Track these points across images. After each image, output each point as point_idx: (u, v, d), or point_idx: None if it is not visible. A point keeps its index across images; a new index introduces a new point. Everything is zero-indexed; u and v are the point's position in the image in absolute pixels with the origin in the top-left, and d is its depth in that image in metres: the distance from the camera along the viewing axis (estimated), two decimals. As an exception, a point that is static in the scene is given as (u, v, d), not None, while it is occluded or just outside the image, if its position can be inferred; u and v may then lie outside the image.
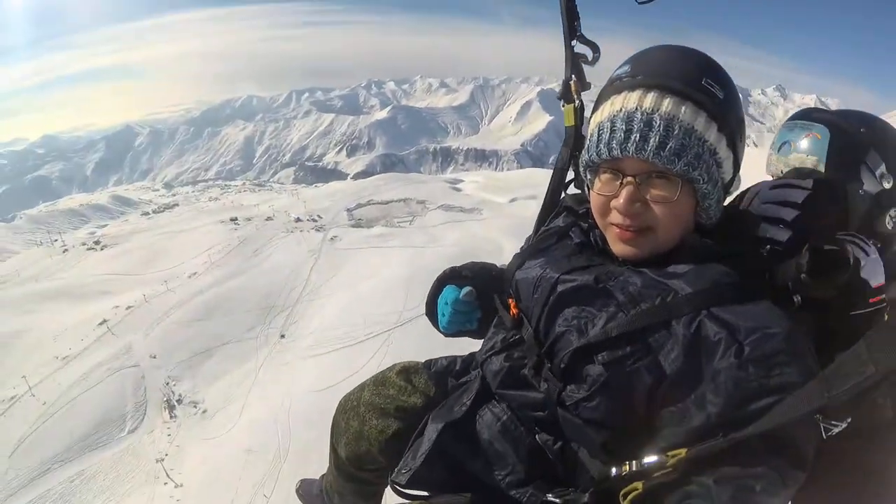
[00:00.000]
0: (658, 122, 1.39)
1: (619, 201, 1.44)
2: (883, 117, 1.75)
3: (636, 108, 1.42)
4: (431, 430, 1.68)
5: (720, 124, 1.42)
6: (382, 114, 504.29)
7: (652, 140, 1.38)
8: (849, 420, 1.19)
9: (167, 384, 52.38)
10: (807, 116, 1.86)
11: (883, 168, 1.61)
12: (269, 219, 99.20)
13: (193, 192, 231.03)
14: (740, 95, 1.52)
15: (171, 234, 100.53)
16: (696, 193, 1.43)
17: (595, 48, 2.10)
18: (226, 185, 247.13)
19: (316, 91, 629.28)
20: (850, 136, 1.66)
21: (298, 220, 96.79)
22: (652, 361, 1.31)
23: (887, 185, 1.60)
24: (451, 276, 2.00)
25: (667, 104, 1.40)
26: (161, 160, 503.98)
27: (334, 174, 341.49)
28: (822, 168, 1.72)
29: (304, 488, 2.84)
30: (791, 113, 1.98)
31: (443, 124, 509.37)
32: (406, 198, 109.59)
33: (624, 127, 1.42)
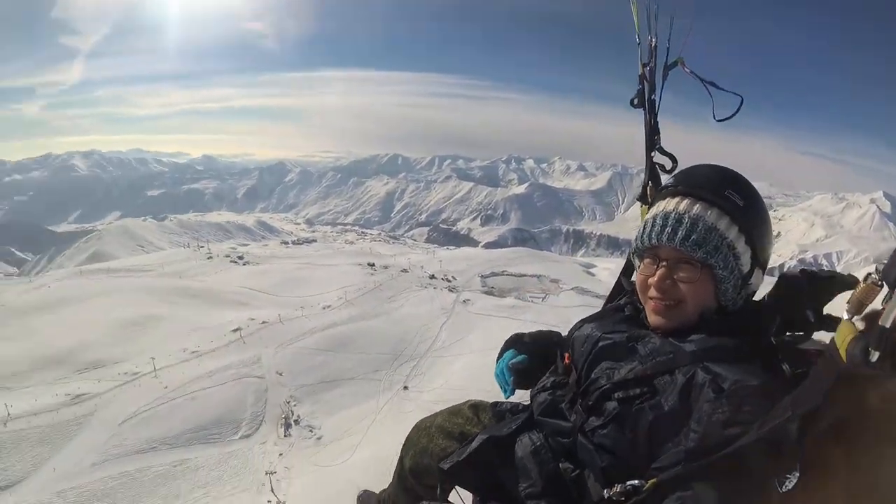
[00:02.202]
0: (686, 220, 1.79)
1: (654, 279, 1.84)
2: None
3: (673, 210, 1.84)
4: (479, 439, 2.07)
5: (740, 225, 1.79)
6: (520, 189, 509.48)
7: (680, 233, 1.78)
8: (796, 472, 1.35)
9: (288, 402, 53.32)
10: None
11: None
12: (404, 270, 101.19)
13: (332, 232, 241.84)
14: (765, 204, 1.89)
15: (310, 265, 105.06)
16: (714, 278, 1.78)
17: (673, 160, 2.41)
18: (363, 233, 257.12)
19: (458, 159, 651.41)
20: None
21: (433, 277, 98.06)
22: (655, 402, 1.62)
23: None
24: (514, 342, 2.45)
25: (696, 208, 1.81)
26: (306, 198, 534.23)
27: (466, 240, 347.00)
28: None
29: (365, 498, 3.29)
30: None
31: (578, 207, 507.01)
32: (540, 274, 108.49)
33: (661, 223, 1.84)
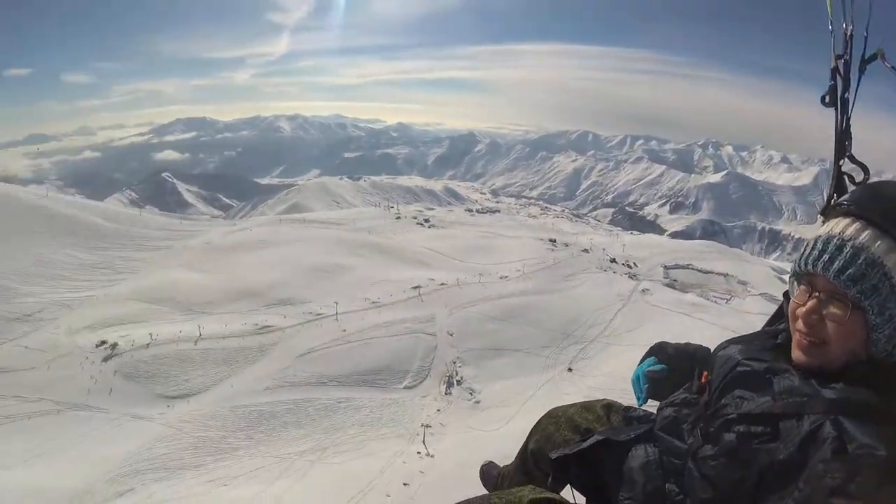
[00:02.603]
0: (847, 249, 1.56)
1: (803, 311, 1.63)
2: None
3: (838, 234, 1.61)
4: (594, 438, 2.09)
5: None
6: (715, 177, 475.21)
7: (837, 263, 1.56)
8: None
9: (454, 363, 55.16)
10: None
11: None
12: (585, 250, 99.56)
13: (516, 204, 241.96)
14: None
15: (492, 235, 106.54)
16: (866, 323, 1.54)
17: (865, 170, 2.10)
18: (546, 208, 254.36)
19: (651, 140, 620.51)
20: None
21: (614, 261, 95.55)
22: (773, 447, 1.48)
23: None
24: (658, 350, 2.44)
25: (864, 236, 1.56)
26: (494, 169, 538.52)
27: (652, 227, 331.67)
28: None
29: (487, 469, 3.34)
30: None
31: (777, 204, 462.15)
32: (727, 273, 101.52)
33: (821, 247, 1.62)
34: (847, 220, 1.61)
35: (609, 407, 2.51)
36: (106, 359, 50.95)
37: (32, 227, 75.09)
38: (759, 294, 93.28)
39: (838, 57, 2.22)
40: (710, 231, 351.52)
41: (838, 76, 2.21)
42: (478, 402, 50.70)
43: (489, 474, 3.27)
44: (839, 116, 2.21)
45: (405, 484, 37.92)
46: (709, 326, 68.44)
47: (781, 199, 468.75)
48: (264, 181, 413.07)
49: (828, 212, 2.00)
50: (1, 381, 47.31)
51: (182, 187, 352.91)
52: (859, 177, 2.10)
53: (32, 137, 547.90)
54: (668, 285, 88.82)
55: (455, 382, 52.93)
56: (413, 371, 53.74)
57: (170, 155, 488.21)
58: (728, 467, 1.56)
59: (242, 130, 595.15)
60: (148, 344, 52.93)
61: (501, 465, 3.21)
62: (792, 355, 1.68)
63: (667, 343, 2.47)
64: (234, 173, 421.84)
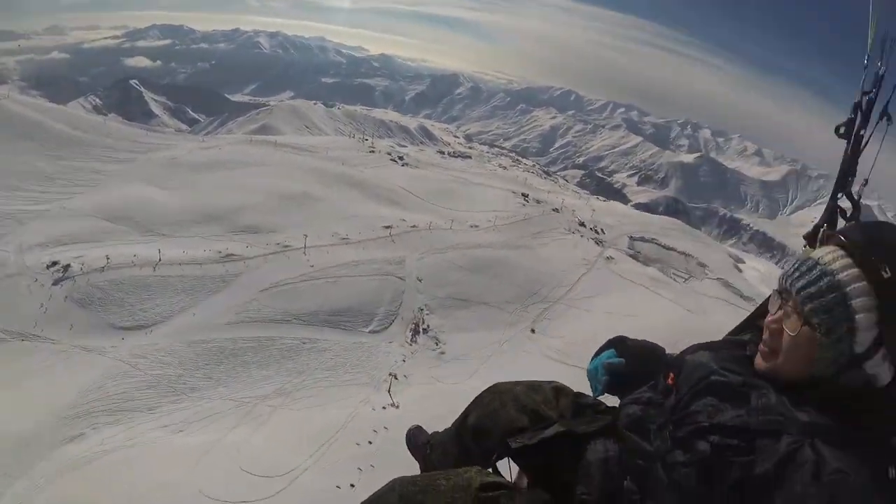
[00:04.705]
0: (816, 271, 1.65)
1: (768, 320, 1.76)
2: None
3: (817, 258, 1.69)
4: (554, 429, 2.05)
5: (880, 301, 1.54)
6: (689, 157, 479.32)
7: (802, 281, 1.66)
8: None
9: (421, 310, 54.90)
10: None
11: None
12: (555, 210, 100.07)
13: (488, 152, 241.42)
14: None
15: (465, 181, 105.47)
16: (815, 341, 1.62)
17: (856, 208, 2.23)
18: (517, 160, 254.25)
19: (633, 110, 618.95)
20: None
21: (583, 224, 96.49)
22: (748, 461, 1.52)
23: None
24: (617, 343, 2.44)
25: (837, 263, 1.63)
26: (471, 114, 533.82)
27: (618, 195, 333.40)
28: None
29: (414, 433, 3.20)
30: None
31: (743, 194, 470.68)
32: (689, 254, 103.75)
33: (797, 266, 1.71)
34: (830, 248, 1.69)
35: (558, 391, 2.46)
36: (56, 282, 47.54)
37: (-14, 131, 70.35)
38: (717, 279, 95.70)
39: (865, 93, 2.24)
40: (673, 208, 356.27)
41: (860, 111, 2.24)
42: (442, 353, 50.84)
43: (416, 440, 3.16)
44: (848, 150, 2.27)
45: (374, 431, 37.75)
46: (666, 303, 70.19)
47: (748, 190, 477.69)
48: (235, 97, 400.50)
49: (816, 238, 2.20)
50: (-63, 305, 44.14)
51: (149, 96, 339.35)
52: (849, 214, 2.26)
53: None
54: (631, 256, 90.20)
55: (421, 331, 52.79)
56: (380, 315, 53.01)
57: (141, 62, 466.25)
58: (699, 476, 1.59)
59: (220, 42, 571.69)
60: (103, 267, 49.58)
61: (431, 432, 3.14)
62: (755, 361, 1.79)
63: (626, 337, 2.46)
64: (205, 86, 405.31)
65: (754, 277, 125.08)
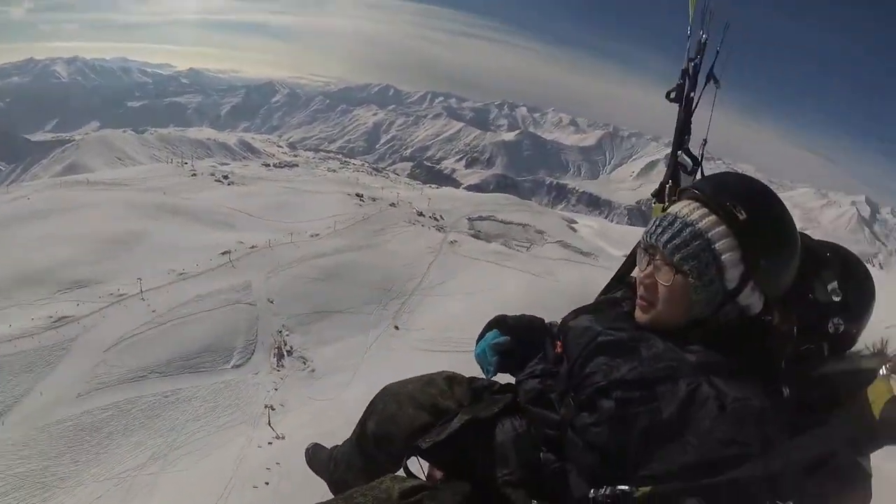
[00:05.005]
0: (677, 224, 1.76)
1: (640, 276, 1.86)
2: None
3: (675, 212, 1.81)
4: (459, 419, 2.01)
5: (740, 241, 1.69)
6: (509, 136, 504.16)
7: (666, 234, 1.76)
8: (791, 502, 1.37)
9: (280, 332, 53.12)
10: None
11: (835, 284, 1.83)
12: (392, 205, 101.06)
13: (315, 158, 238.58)
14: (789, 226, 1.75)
15: (297, 191, 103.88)
16: (689, 286, 1.73)
17: (696, 162, 2.40)
18: (346, 161, 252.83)
19: (451, 97, 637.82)
20: (814, 252, 1.89)
21: (421, 214, 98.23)
22: (654, 407, 1.58)
23: (836, 299, 1.82)
24: (498, 323, 2.40)
25: (694, 214, 1.76)
26: (291, 121, 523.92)
27: (449, 180, 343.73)
28: None
29: (314, 451, 3.09)
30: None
31: (564, 161, 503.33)
32: (526, 224, 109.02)
33: (658, 223, 1.82)
34: (685, 202, 1.84)
35: (451, 379, 2.42)
36: None
37: None
38: (556, 241, 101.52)
39: (691, 59, 2.46)
40: (503, 184, 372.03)
41: (687, 77, 2.48)
42: (313, 371, 49.81)
43: (317, 457, 3.04)
44: (681, 112, 2.48)
45: (267, 469, 36.38)
46: (515, 272, 73.27)
47: (568, 157, 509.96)
48: (36, 137, 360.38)
49: (664, 196, 2.41)
50: None
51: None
52: (689, 168, 2.44)
53: None
54: (473, 236, 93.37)
55: (285, 353, 51.30)
56: (239, 347, 50.88)
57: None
58: (613, 432, 1.64)
59: (12, 76, 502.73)
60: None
61: (330, 447, 3.01)
62: (635, 315, 1.90)
63: (506, 315, 2.45)
64: (0, 128, 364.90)
65: (589, 234, 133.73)
